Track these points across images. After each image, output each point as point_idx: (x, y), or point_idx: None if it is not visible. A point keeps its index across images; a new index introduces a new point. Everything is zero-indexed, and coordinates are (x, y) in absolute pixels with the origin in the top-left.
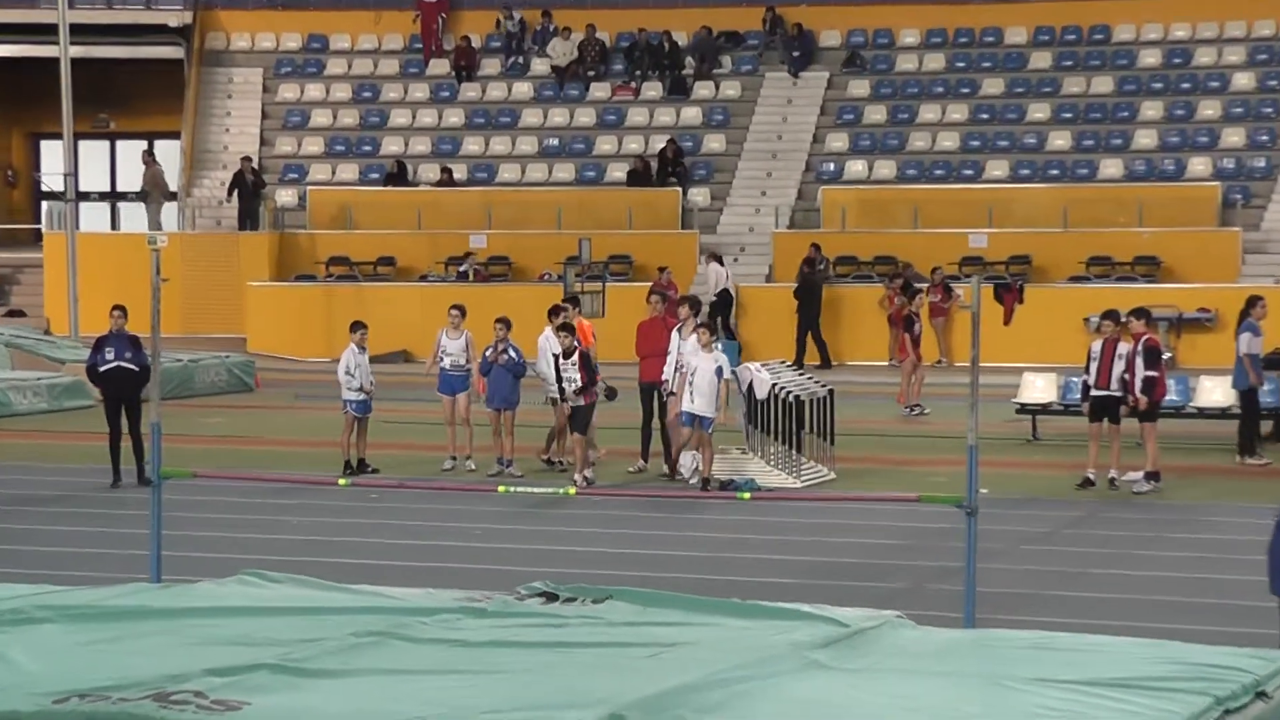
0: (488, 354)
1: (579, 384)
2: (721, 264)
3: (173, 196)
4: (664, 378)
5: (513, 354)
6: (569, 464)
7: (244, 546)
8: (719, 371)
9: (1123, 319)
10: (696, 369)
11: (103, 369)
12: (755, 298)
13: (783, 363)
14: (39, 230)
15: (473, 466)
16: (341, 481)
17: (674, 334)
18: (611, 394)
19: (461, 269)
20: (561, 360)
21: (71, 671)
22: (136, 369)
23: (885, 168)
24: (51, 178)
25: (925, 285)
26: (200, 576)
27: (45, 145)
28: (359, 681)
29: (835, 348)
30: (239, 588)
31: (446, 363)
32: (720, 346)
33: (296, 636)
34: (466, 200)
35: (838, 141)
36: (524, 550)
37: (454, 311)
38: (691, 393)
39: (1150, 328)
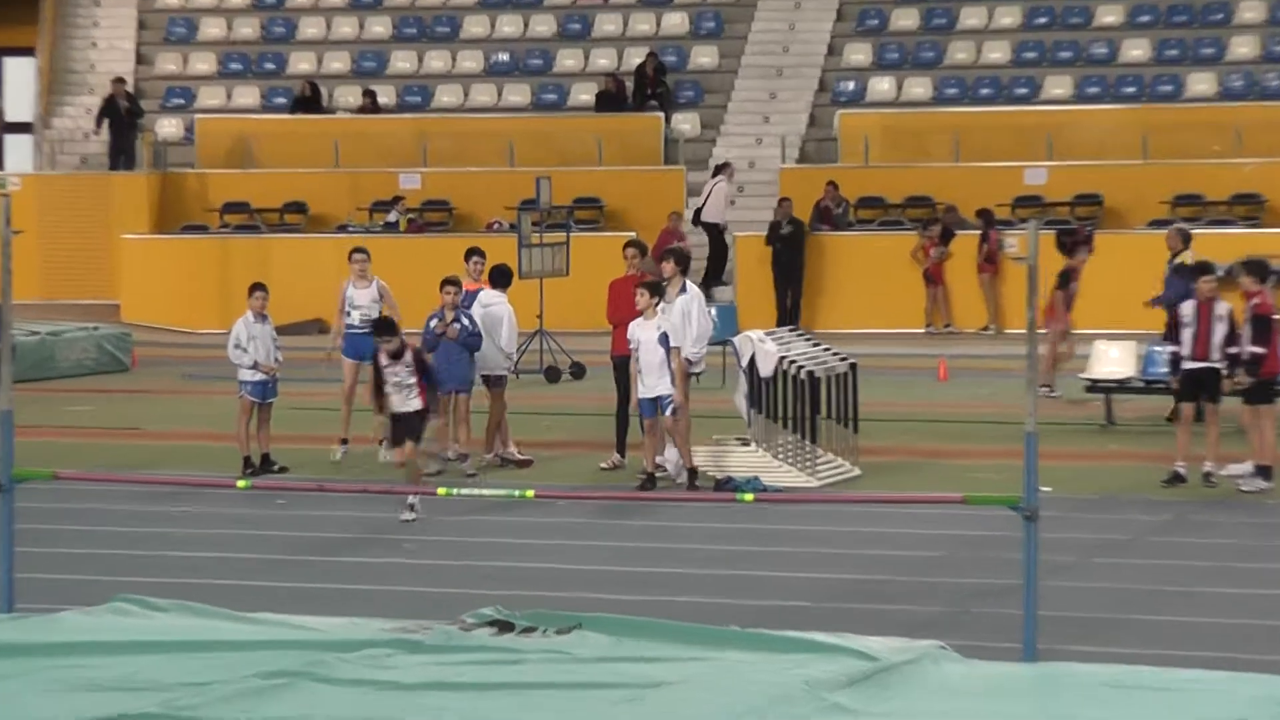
0: (433, 325)
1: (416, 398)
2: (730, 178)
3: (26, 128)
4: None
5: (466, 323)
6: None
7: (119, 566)
8: (664, 339)
9: (1219, 271)
10: (640, 341)
11: None
12: (757, 249)
13: (792, 329)
14: None
15: (386, 457)
16: (240, 483)
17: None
18: (553, 374)
19: (390, 217)
20: (388, 363)
21: None
22: None
23: (918, 86)
24: None
25: (971, 232)
26: (64, 605)
27: None
28: None
29: (856, 311)
30: (112, 618)
31: (355, 317)
32: (713, 310)
33: (185, 679)
34: (395, 131)
35: (858, 54)
36: (470, 567)
37: (358, 256)
38: (640, 372)
39: (1265, 287)
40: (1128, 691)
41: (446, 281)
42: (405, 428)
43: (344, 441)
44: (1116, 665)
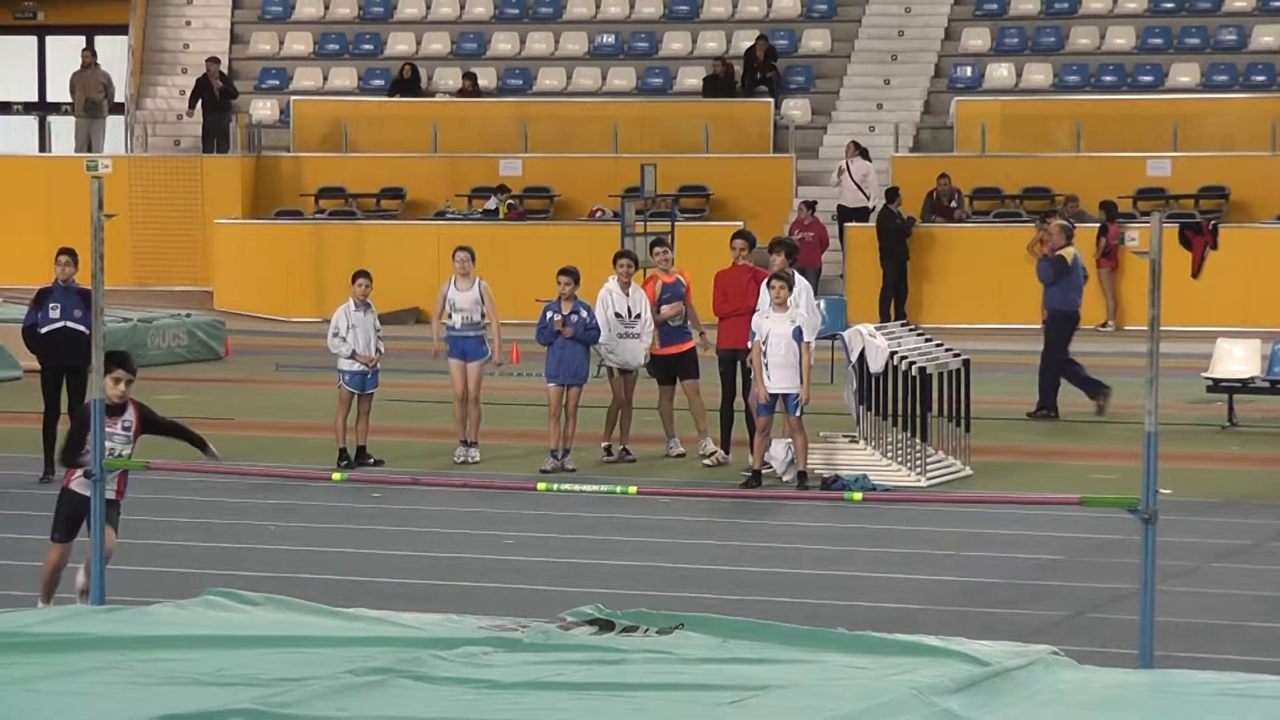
0: (551, 317)
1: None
2: (868, 158)
3: (119, 109)
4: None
5: (584, 315)
6: (627, 454)
7: (211, 559)
8: (798, 334)
9: None
10: (769, 334)
11: (45, 330)
12: (866, 242)
13: (903, 324)
14: None
15: (476, 458)
16: (336, 476)
17: (764, 288)
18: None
19: (489, 204)
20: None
21: None
22: (89, 331)
23: (1039, 73)
24: None
25: (1090, 225)
26: (156, 598)
27: None
28: None
29: (969, 305)
30: (205, 612)
31: (456, 320)
32: (822, 304)
33: (279, 674)
34: (496, 115)
35: (976, 39)
36: (571, 565)
37: (461, 255)
38: (767, 367)
39: None
40: (1245, 700)
41: (563, 272)
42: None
43: (465, 443)
44: (1234, 673)
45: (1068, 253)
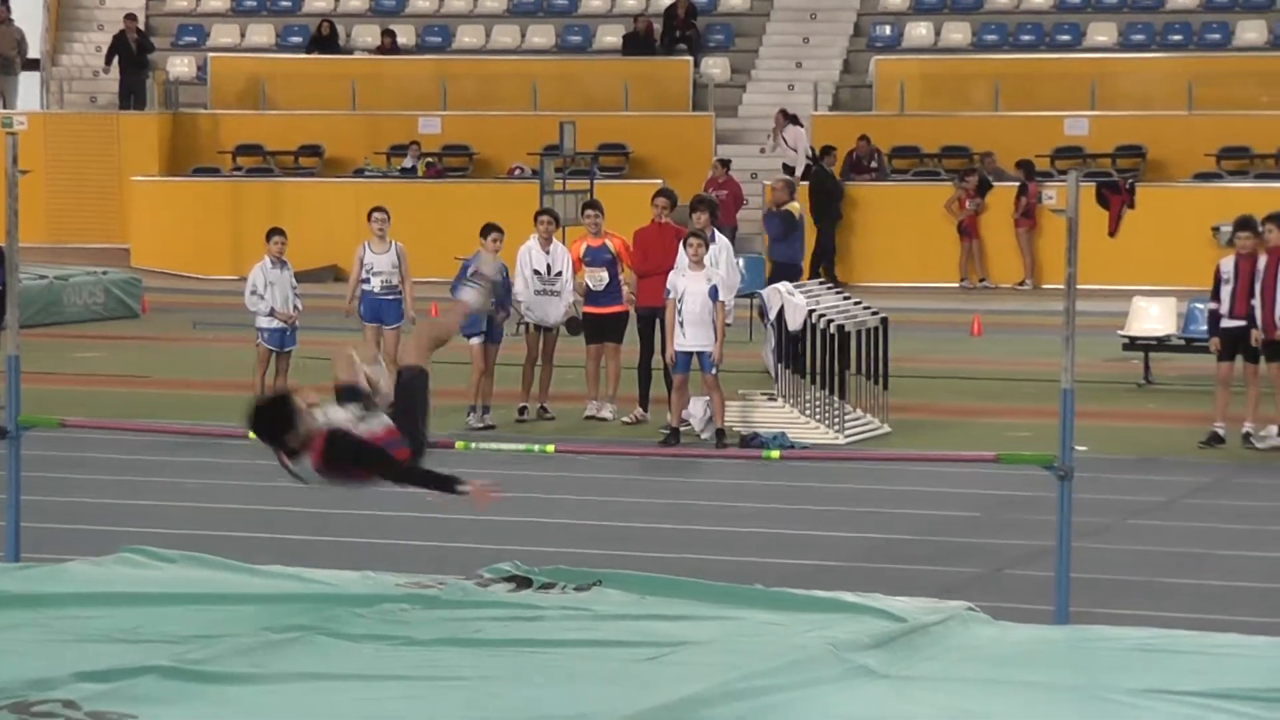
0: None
1: None
2: (799, 124)
3: (32, 65)
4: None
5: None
6: (545, 413)
7: (128, 516)
8: (713, 292)
9: (1260, 228)
10: (685, 292)
11: None
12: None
13: (821, 283)
14: None
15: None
16: (252, 434)
17: (681, 246)
18: (575, 326)
19: (407, 162)
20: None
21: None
22: (4, 289)
23: (957, 32)
24: None
25: (1009, 184)
26: (72, 554)
27: None
28: (274, 690)
29: (888, 264)
30: (121, 569)
31: (375, 284)
32: (741, 262)
33: (194, 632)
34: (414, 72)
35: None
36: (488, 522)
37: (378, 215)
38: (683, 325)
39: None
40: (1161, 656)
41: (492, 229)
42: None
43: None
44: (1150, 629)
45: (794, 207)
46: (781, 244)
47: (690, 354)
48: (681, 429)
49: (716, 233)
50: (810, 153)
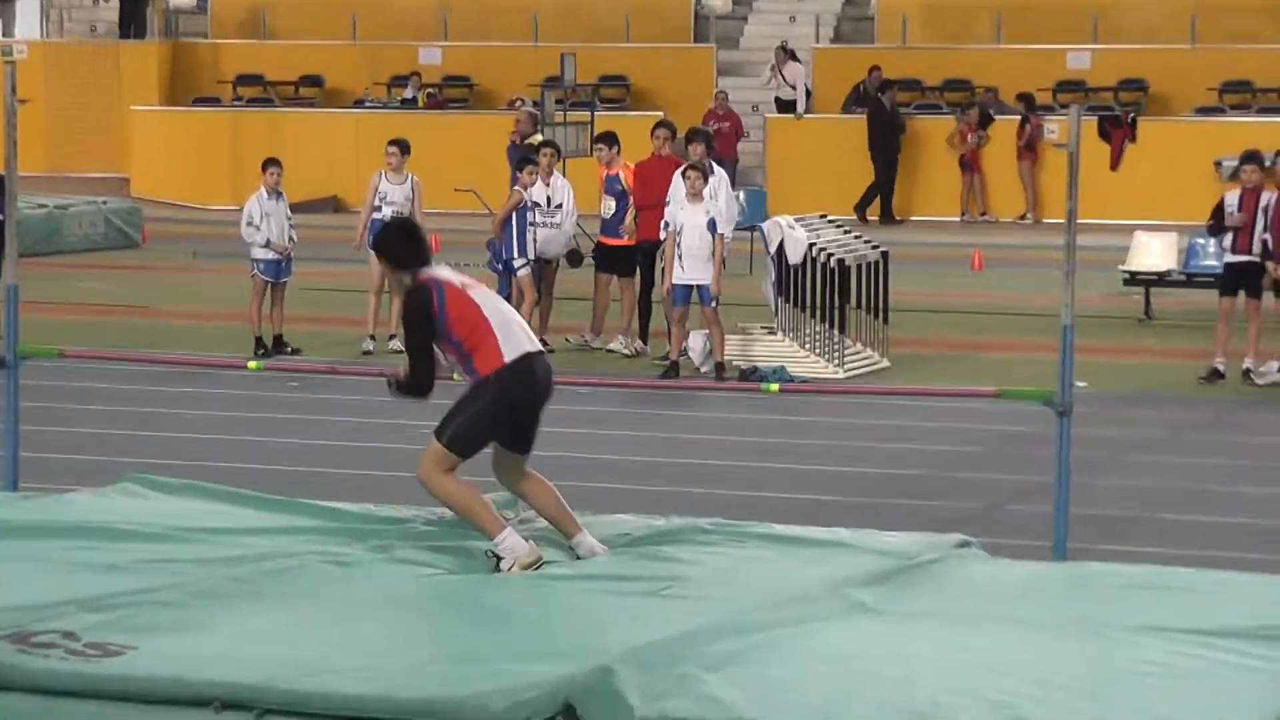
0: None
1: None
2: (797, 59)
3: None
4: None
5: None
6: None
7: (128, 446)
8: (712, 225)
9: (1268, 162)
10: (684, 225)
11: None
12: (787, 129)
13: (822, 216)
14: None
15: (399, 346)
16: (252, 365)
17: (676, 177)
18: (576, 258)
19: (407, 93)
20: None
21: None
22: (3, 217)
23: None
24: None
25: (1011, 117)
26: (72, 485)
27: None
28: (274, 618)
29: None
30: (122, 499)
31: (386, 213)
32: (741, 194)
33: (195, 559)
34: (415, 3)
35: None
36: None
37: (393, 149)
38: (681, 257)
39: None
40: (1158, 592)
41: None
42: None
43: (373, 338)
44: (1148, 565)
45: (536, 138)
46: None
47: (689, 287)
48: (681, 361)
49: (714, 165)
50: (867, 87)
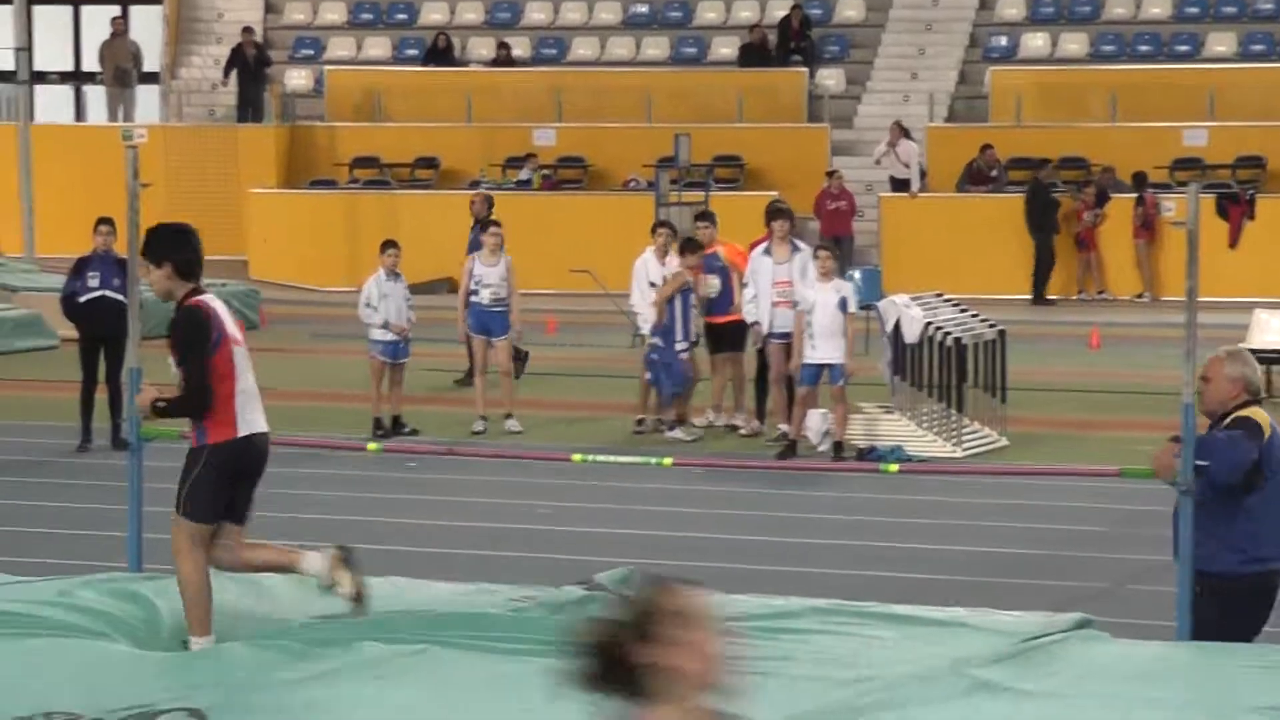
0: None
1: None
2: (911, 138)
3: (150, 78)
4: (746, 317)
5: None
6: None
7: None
8: (843, 304)
9: None
10: (815, 305)
11: (83, 299)
12: (901, 210)
13: (938, 295)
14: None
15: (518, 427)
16: (371, 446)
17: (752, 254)
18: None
19: (523, 174)
20: None
21: (29, 690)
22: (127, 300)
23: (1074, 42)
24: None
25: (1125, 195)
26: None
27: None
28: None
29: (1005, 276)
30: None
31: (485, 296)
32: (857, 274)
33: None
34: (529, 84)
35: (1011, 7)
36: (601, 536)
37: (492, 229)
38: (812, 336)
39: None
40: None
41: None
42: None
43: (484, 418)
44: (1271, 645)
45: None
46: None
47: (820, 367)
48: (799, 441)
49: (796, 241)
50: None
